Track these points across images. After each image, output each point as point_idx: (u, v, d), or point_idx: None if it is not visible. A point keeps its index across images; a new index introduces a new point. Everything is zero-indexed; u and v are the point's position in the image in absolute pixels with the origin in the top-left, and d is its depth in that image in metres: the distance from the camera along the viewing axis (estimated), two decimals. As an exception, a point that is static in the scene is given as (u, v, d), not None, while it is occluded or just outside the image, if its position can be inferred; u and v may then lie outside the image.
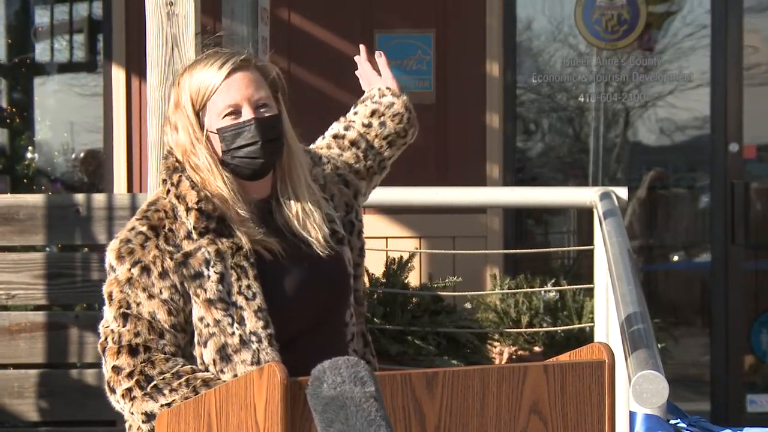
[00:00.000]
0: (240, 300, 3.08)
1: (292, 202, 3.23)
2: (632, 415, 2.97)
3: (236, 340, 3.07)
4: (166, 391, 3.02)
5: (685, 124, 7.64)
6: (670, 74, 7.47)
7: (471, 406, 2.82)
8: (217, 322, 3.08)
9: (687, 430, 3.00)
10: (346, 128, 3.51)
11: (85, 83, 7.84)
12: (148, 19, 4.10)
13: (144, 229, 3.13)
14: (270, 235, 3.17)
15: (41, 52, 7.93)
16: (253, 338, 3.07)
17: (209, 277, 3.08)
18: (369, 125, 3.53)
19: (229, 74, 3.16)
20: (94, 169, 7.69)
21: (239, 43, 5.35)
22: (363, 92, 3.70)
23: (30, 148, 7.84)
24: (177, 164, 3.19)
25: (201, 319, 3.09)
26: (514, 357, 6.47)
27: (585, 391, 2.93)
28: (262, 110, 3.17)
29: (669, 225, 7.84)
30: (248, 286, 3.09)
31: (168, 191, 3.17)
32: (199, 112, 3.17)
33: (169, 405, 2.99)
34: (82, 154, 7.82)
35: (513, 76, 7.33)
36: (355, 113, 3.57)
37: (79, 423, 5.51)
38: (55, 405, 5.43)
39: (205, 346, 3.09)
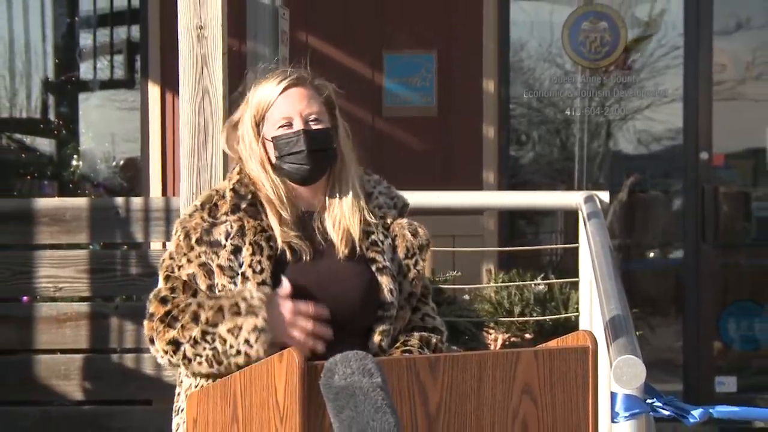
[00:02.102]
0: (248, 272, 3.11)
1: (335, 209, 3.24)
2: (613, 396, 2.96)
3: None
4: (179, 317, 3.07)
5: (661, 135, 7.63)
6: (647, 90, 7.45)
7: (469, 387, 2.82)
8: (223, 286, 3.11)
9: (662, 408, 2.98)
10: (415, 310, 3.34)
11: (124, 98, 7.84)
12: (180, 41, 4.10)
13: (198, 203, 3.24)
14: (304, 238, 3.19)
15: (85, 70, 7.93)
16: None
17: (225, 246, 3.13)
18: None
19: (285, 89, 3.22)
20: (133, 175, 7.69)
21: (262, 63, 5.35)
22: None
23: (75, 156, 7.84)
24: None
25: (216, 285, 3.12)
26: (507, 343, 6.45)
27: (571, 374, 2.92)
28: (311, 123, 3.22)
29: (646, 225, 7.83)
30: (259, 262, 3.12)
31: (230, 179, 3.27)
32: (259, 123, 3.24)
33: (183, 327, 3.05)
34: (122, 162, 7.82)
35: (507, 91, 7.32)
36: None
37: (119, 402, 5.50)
38: (98, 386, 5.43)
39: None
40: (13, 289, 5.46)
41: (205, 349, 3.03)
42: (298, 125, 3.20)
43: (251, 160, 3.24)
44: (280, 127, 3.21)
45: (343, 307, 3.15)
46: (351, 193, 3.26)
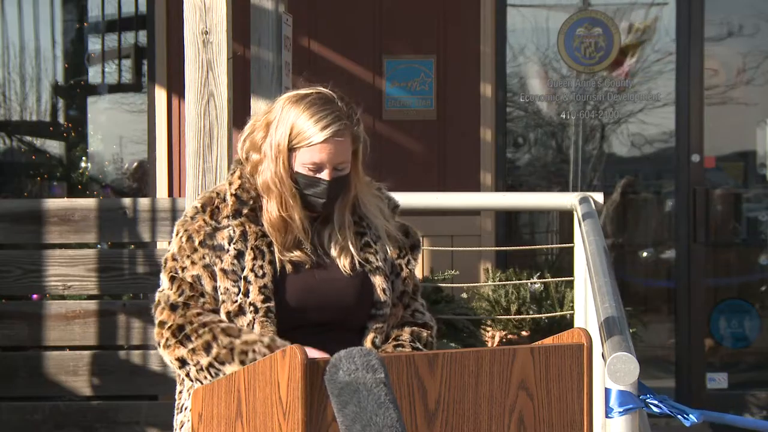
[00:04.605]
0: (250, 276, 3.11)
1: (334, 227, 3.22)
2: (607, 392, 2.96)
3: (236, 307, 3.10)
4: (193, 338, 3.07)
5: (653, 137, 7.63)
6: (640, 94, 7.45)
7: (467, 383, 2.81)
8: (226, 290, 3.11)
9: (656, 406, 2.98)
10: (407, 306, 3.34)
11: (132, 102, 7.84)
12: (186, 46, 4.10)
13: (198, 205, 3.20)
14: (304, 245, 3.19)
15: (94, 75, 7.93)
16: (251, 308, 3.09)
17: (228, 251, 3.12)
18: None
19: (328, 138, 3.11)
20: (141, 176, 7.69)
21: (266, 68, 5.34)
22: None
23: (84, 158, 7.84)
24: (240, 161, 3.25)
25: (219, 287, 3.12)
26: (504, 340, 6.45)
27: (566, 370, 2.92)
28: (338, 171, 3.16)
29: (639, 226, 7.82)
30: (261, 266, 3.12)
31: (230, 183, 3.22)
32: (292, 149, 3.14)
33: (194, 350, 3.05)
34: (134, 165, 7.82)
35: (503, 95, 7.31)
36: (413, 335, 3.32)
37: (126, 397, 5.51)
38: (106, 382, 5.43)
39: (219, 313, 3.12)
40: (24, 287, 5.46)
41: (206, 377, 3.06)
42: (326, 175, 3.14)
43: (283, 182, 3.15)
44: (308, 166, 3.14)
45: (339, 308, 3.18)
46: (348, 220, 3.23)
